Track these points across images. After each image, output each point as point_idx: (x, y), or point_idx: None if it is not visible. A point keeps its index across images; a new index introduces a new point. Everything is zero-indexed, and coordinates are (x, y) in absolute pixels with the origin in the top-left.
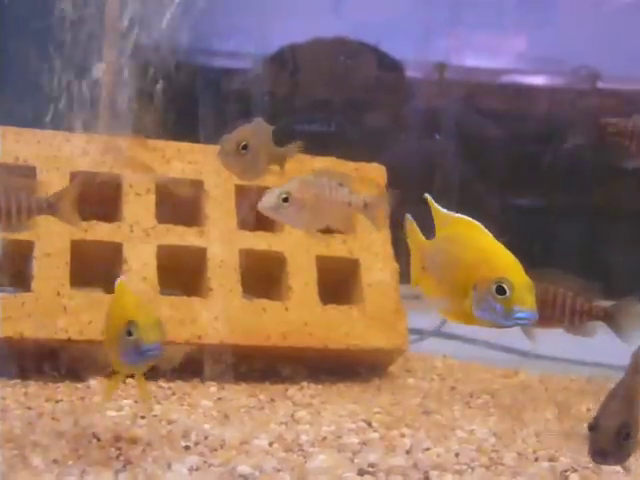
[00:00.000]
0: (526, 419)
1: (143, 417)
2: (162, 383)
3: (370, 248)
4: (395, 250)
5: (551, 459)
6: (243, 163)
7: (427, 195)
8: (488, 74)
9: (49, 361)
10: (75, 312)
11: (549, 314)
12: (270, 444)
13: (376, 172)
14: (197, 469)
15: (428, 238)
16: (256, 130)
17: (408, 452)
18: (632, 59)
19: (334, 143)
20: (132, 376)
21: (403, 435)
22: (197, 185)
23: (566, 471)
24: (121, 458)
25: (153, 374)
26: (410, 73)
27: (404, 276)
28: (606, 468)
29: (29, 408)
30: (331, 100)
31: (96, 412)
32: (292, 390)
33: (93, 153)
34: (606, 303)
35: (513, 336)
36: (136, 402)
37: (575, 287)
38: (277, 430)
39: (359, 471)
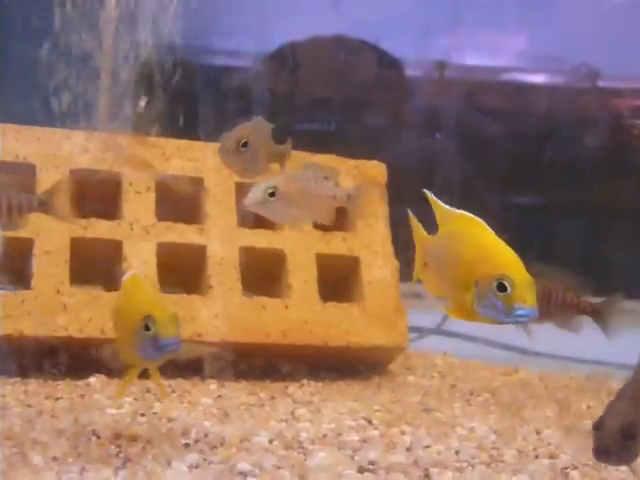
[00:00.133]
0: (526, 416)
1: (143, 415)
2: (163, 381)
3: (370, 246)
4: (395, 248)
5: (551, 456)
6: (243, 161)
7: (426, 191)
8: (488, 72)
9: (49, 359)
10: (75, 310)
11: (539, 308)
12: (270, 441)
13: (376, 169)
14: (197, 466)
15: (430, 235)
16: (256, 128)
17: (408, 449)
18: (632, 57)
19: (334, 141)
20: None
21: (403, 433)
22: (197, 183)
23: (566, 468)
24: (121, 455)
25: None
26: (410, 71)
27: (404, 274)
28: (606, 465)
29: (29, 406)
30: (331, 98)
31: (96, 409)
32: (292, 388)
33: (93, 151)
34: (597, 300)
35: (513, 334)
36: (136, 400)
37: (566, 283)
38: (277, 428)
39: (359, 468)
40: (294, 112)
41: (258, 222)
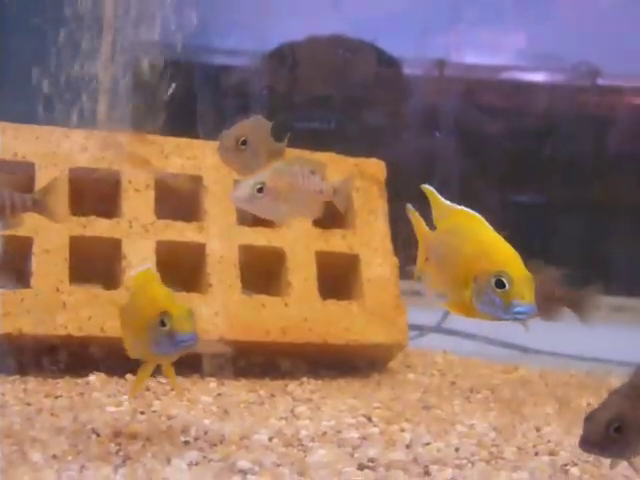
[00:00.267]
0: (526, 414)
1: (142, 413)
2: (161, 379)
3: (370, 243)
4: (394, 245)
5: (551, 453)
6: (242, 158)
7: (426, 186)
8: (487, 71)
9: (48, 357)
10: (74, 308)
11: None
12: (270, 439)
13: (375, 167)
14: (197, 464)
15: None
16: (255, 126)
17: (408, 447)
18: (631, 55)
19: (333, 139)
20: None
21: (403, 430)
22: (196, 181)
23: (566, 465)
24: (120, 453)
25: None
26: (409, 70)
27: (403, 272)
28: (606, 462)
29: (28, 404)
30: (329, 96)
31: (95, 407)
32: (292, 385)
33: (92, 149)
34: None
35: (513, 332)
36: (135, 398)
37: (546, 274)
38: (277, 425)
39: (359, 466)
40: (293, 110)
41: (257, 220)
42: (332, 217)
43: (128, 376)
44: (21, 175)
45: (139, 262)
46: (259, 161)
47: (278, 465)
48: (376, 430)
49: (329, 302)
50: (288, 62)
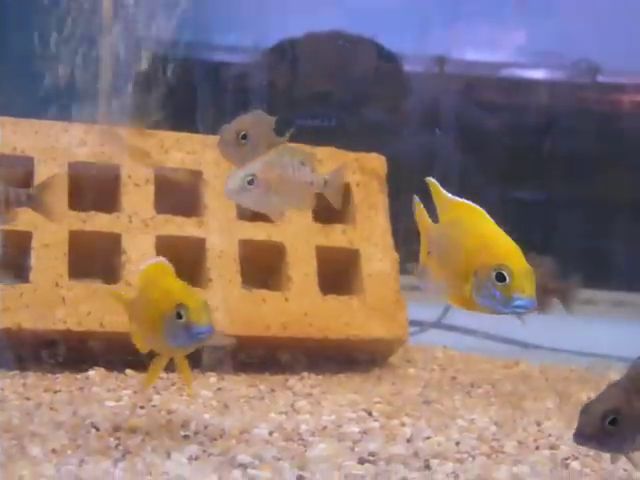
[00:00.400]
0: (527, 408)
1: (142, 407)
2: (161, 374)
3: (370, 238)
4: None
5: (552, 447)
6: (242, 153)
7: (430, 178)
8: (487, 68)
9: (48, 352)
10: (74, 303)
11: None
12: (270, 433)
13: (376, 162)
14: (196, 458)
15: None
16: (255, 120)
17: (409, 441)
18: (631, 52)
19: (334, 135)
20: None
21: (404, 424)
22: (196, 175)
23: (567, 459)
24: (120, 448)
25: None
26: (409, 66)
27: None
28: (607, 456)
29: (28, 399)
30: (329, 92)
31: (95, 402)
32: (292, 380)
33: (91, 143)
34: None
35: (514, 328)
36: (135, 392)
37: (544, 267)
38: (277, 420)
39: (359, 460)
40: (294, 106)
41: (257, 215)
42: (332, 211)
43: (128, 371)
44: (20, 169)
45: (139, 257)
46: (259, 155)
47: (278, 459)
48: (376, 424)
49: (329, 297)
50: (288, 58)
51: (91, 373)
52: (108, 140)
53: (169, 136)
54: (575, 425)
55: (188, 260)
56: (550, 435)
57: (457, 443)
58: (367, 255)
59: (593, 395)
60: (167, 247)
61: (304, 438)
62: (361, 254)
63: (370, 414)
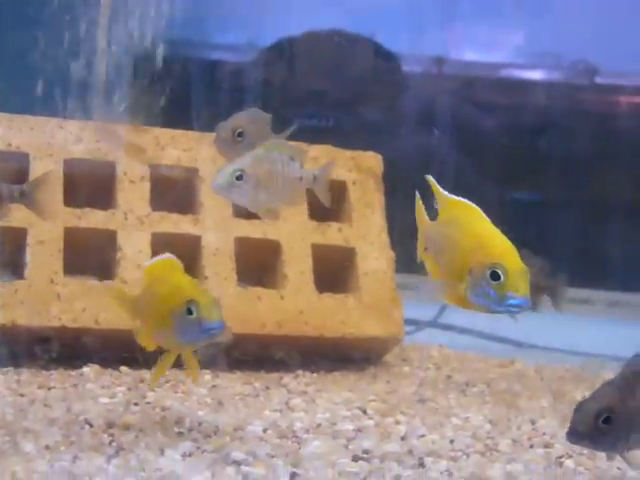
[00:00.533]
0: (521, 407)
1: (136, 404)
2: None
3: (366, 237)
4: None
5: (546, 446)
6: (238, 150)
7: (429, 176)
8: (485, 68)
9: (42, 348)
10: (69, 300)
11: None
12: (264, 431)
13: (372, 160)
14: (190, 455)
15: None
16: (252, 117)
17: (403, 439)
18: (629, 53)
19: (331, 134)
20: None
21: (398, 422)
22: (192, 172)
23: (561, 457)
24: (113, 444)
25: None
26: (407, 66)
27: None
28: (601, 454)
29: (21, 395)
30: (327, 91)
31: (89, 399)
32: (287, 378)
33: (87, 140)
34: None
35: (510, 327)
36: (129, 389)
37: (535, 265)
38: (271, 417)
39: (353, 457)
40: (292, 105)
41: (253, 212)
42: (328, 209)
43: (122, 368)
44: (15, 166)
45: (134, 254)
46: None
47: (272, 456)
48: (371, 422)
49: (325, 295)
50: (287, 56)
51: (85, 370)
52: (104, 137)
53: (165, 133)
54: (568, 424)
55: (184, 258)
56: (544, 434)
57: (451, 441)
58: (363, 253)
59: (587, 393)
60: (163, 244)
61: (298, 435)
62: (357, 252)
63: (365, 412)
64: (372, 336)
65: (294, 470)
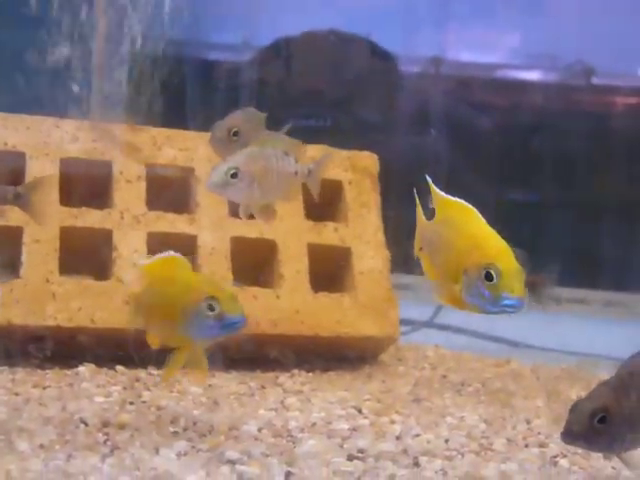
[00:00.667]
0: (517, 406)
1: (132, 403)
2: (152, 370)
3: (362, 236)
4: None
5: (541, 445)
6: (234, 149)
7: (427, 177)
8: (482, 69)
9: (37, 347)
10: (64, 299)
11: None
12: (259, 430)
13: (368, 160)
14: (185, 454)
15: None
16: (247, 117)
17: (398, 438)
18: (626, 54)
19: (327, 134)
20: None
21: (393, 422)
22: (188, 172)
23: (556, 457)
24: (108, 443)
25: (142, 361)
26: (404, 66)
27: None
28: (596, 454)
29: (16, 394)
30: (325, 91)
31: (84, 398)
32: (282, 377)
33: (83, 139)
34: None
35: (506, 327)
36: (125, 389)
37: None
38: (267, 416)
39: (348, 456)
40: (289, 105)
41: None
42: (324, 209)
43: (118, 367)
44: (12, 165)
45: (130, 253)
46: None
47: (267, 455)
48: (366, 422)
49: (321, 294)
50: (284, 56)
51: (81, 369)
52: (100, 136)
53: (161, 132)
54: (564, 423)
55: None
56: (539, 433)
57: (446, 440)
58: (359, 253)
59: (583, 393)
60: (158, 244)
61: (293, 435)
62: (353, 252)
63: (360, 411)
64: (368, 336)
65: (289, 469)
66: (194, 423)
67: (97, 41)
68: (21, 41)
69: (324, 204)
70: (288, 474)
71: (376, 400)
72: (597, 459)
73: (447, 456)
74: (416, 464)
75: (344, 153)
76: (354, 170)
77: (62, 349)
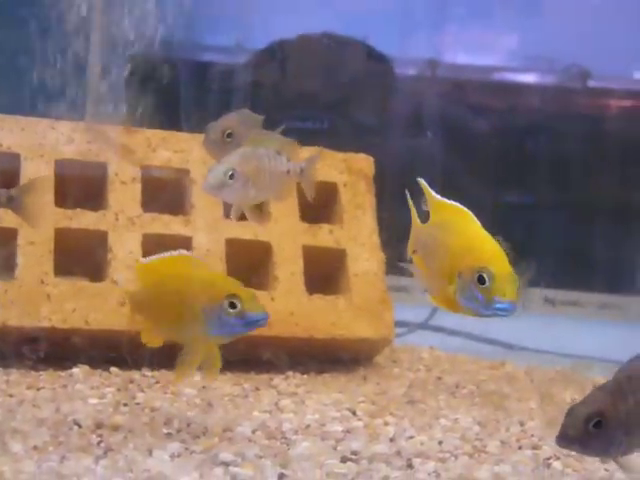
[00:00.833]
0: (510, 408)
1: (125, 405)
2: (146, 372)
3: (357, 238)
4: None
5: (534, 447)
6: (228, 151)
7: (420, 179)
8: (479, 71)
9: (32, 349)
10: (59, 300)
11: None
12: (253, 432)
13: (364, 162)
14: (179, 456)
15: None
16: (241, 118)
17: (392, 440)
18: (622, 57)
19: (323, 137)
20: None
21: (387, 424)
22: (183, 174)
23: (549, 459)
24: (102, 445)
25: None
26: (400, 69)
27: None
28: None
29: (10, 395)
30: (321, 93)
31: (78, 399)
32: (277, 379)
33: (78, 141)
34: None
35: (501, 329)
36: (119, 390)
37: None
38: (260, 418)
39: (342, 458)
40: (285, 107)
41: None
42: (319, 211)
43: (112, 369)
44: (6, 166)
45: (125, 255)
46: None
47: (260, 457)
48: (360, 424)
49: (315, 296)
50: (280, 59)
51: (75, 370)
52: (95, 138)
53: (156, 134)
54: (558, 426)
55: None
56: (533, 435)
57: (440, 442)
58: (354, 255)
59: (578, 397)
60: (153, 245)
61: (287, 437)
62: (348, 254)
63: (354, 413)
64: (362, 337)
65: (282, 471)
66: (188, 425)
67: (92, 43)
68: (16, 42)
69: (319, 206)
70: (281, 476)
71: (370, 402)
72: (590, 461)
73: (441, 458)
74: (409, 466)
75: (339, 155)
76: (349, 172)
77: (56, 350)
